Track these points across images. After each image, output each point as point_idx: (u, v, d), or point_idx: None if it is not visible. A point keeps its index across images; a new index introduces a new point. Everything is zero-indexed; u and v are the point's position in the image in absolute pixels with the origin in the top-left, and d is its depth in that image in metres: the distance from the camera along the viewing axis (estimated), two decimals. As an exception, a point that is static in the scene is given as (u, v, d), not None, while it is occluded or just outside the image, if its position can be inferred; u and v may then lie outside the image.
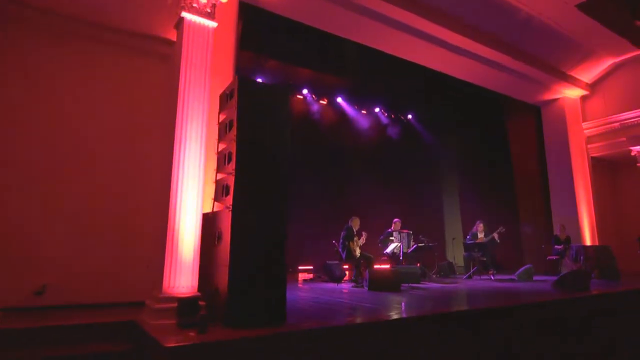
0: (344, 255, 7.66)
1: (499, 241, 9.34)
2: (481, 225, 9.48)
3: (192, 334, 3.27)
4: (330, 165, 11.84)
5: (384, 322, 3.75)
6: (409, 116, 13.78)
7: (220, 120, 4.35)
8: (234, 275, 3.65)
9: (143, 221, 4.82)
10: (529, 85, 10.37)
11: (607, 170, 11.72)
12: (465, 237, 11.94)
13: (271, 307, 3.77)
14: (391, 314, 4.21)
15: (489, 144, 12.20)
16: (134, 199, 4.97)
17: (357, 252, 7.66)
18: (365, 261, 7.71)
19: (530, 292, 6.49)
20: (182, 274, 3.86)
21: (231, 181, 3.85)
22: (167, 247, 3.87)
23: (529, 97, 11.00)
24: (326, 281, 8.54)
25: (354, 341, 3.46)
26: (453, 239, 10.97)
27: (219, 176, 4.19)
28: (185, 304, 3.65)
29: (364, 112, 13.15)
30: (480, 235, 9.51)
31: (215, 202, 4.19)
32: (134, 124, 5.27)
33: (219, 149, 4.27)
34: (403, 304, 5.19)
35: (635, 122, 10.34)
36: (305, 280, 8.91)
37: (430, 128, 13.65)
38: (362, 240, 7.92)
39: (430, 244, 8.78)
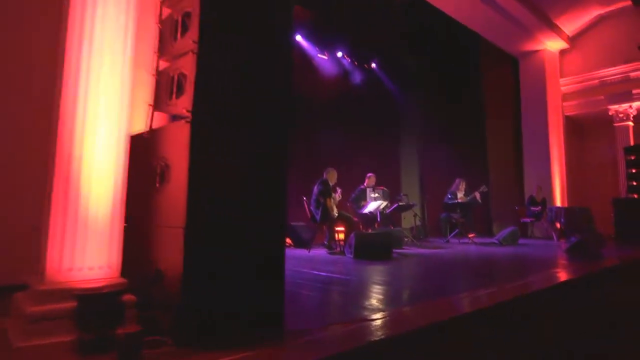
0: (318, 216, 5.99)
1: (480, 201, 8.25)
2: (463, 183, 8.28)
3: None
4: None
5: (464, 315, 2.19)
6: (373, 64, 12.15)
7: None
8: (196, 245, 1.83)
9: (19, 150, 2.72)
10: (514, 29, 9.14)
11: (576, 130, 11.11)
12: (424, 196, 10.85)
13: (263, 304, 2.02)
14: (452, 299, 2.67)
15: (461, 97, 10.94)
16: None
17: (335, 211, 6.04)
18: (344, 222, 6.14)
19: (550, 259, 5.34)
20: (89, 243, 1.93)
21: (189, 66, 1.94)
22: (54, 191, 1.91)
23: (510, 44, 9.82)
24: (290, 246, 6.89)
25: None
26: (427, 198, 9.76)
27: (164, 64, 2.24)
28: (94, 304, 1.78)
29: (324, 56, 11.30)
30: (460, 194, 8.35)
31: (156, 112, 2.24)
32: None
33: (163, 16, 2.29)
34: (437, 280, 3.71)
35: (615, 80, 9.61)
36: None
37: (395, 77, 12.14)
38: (337, 197, 6.31)
39: (412, 204, 7.41)
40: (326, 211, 5.90)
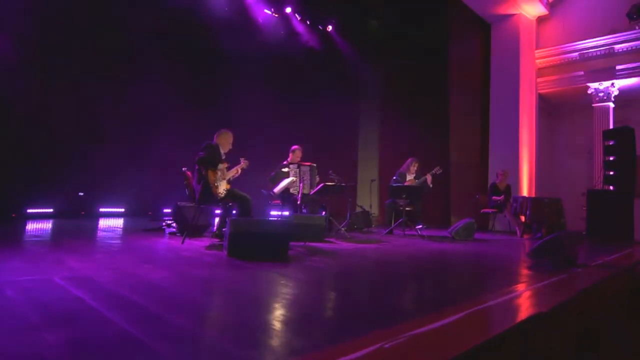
0: (197, 193, 4.19)
1: (431, 186, 6.60)
2: (415, 164, 6.61)
3: None
4: (213, 74, 8.18)
5: None
6: (329, 27, 10.27)
7: None
8: None
9: None
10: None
11: (549, 111, 9.56)
12: (380, 178, 9.20)
13: None
14: None
15: (424, 68, 9.24)
16: None
17: (222, 188, 4.23)
18: (239, 204, 4.35)
19: (508, 266, 3.68)
20: None
21: None
22: None
23: (482, 4, 8.08)
24: (175, 234, 5.10)
25: None
26: (372, 180, 8.05)
27: None
28: None
29: (269, 11, 9.36)
30: (410, 177, 6.67)
31: None
32: None
33: None
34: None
35: (598, 53, 8.01)
36: (147, 230, 5.39)
37: (354, 43, 10.29)
38: (235, 172, 4.49)
39: (343, 184, 5.67)
40: (207, 187, 4.08)
